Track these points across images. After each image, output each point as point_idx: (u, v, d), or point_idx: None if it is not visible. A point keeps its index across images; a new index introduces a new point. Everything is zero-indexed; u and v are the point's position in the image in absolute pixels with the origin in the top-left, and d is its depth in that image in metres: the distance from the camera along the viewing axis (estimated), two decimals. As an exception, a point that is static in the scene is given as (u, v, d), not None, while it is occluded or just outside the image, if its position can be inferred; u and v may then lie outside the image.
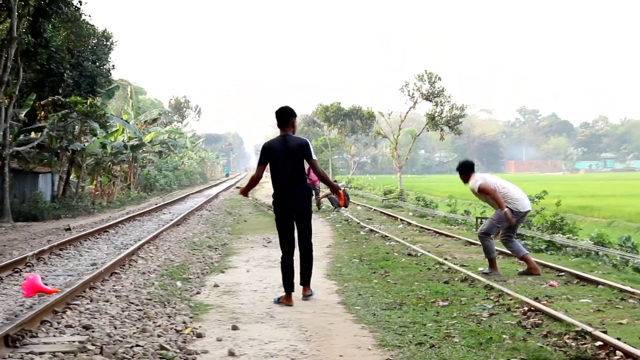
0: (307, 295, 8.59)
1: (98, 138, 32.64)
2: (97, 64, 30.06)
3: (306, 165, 8.43)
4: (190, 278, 10.27)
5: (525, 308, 7.60)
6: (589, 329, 6.40)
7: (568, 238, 16.35)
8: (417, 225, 19.28)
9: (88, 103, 27.65)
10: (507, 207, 10.22)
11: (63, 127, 27.61)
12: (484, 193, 10.38)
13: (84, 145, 30.79)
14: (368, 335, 6.70)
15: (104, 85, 30.98)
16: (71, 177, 32.42)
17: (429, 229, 18.14)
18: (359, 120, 69.93)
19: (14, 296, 8.43)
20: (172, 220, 20.54)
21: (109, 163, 36.14)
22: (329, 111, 71.32)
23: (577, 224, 20.42)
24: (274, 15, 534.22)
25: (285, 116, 8.38)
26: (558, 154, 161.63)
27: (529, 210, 10.65)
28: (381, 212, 25.63)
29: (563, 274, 10.20)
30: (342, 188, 8.70)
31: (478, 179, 10.49)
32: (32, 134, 28.91)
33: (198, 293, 9.13)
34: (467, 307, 7.86)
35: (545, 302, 8.03)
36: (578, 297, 8.39)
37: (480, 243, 10.85)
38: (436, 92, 45.52)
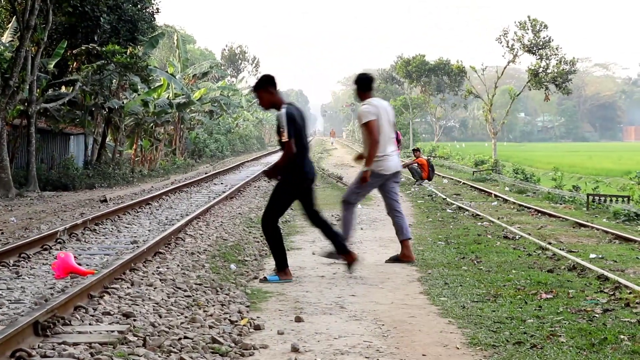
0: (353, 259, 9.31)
1: (139, 94, 33.12)
2: (139, 6, 30.35)
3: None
4: (246, 260, 10.39)
5: (648, 304, 7.48)
6: None
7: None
8: (514, 203, 19.11)
9: (127, 53, 27.98)
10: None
11: (98, 81, 28.06)
12: (368, 132, 10.01)
13: (123, 102, 31.22)
14: (456, 331, 6.69)
15: (146, 32, 31.29)
16: (107, 139, 32.99)
17: (529, 207, 17.97)
18: (446, 76, 69.43)
19: (42, 277, 8.66)
20: (224, 192, 20.78)
21: (151, 124, 36.67)
22: (410, 65, 70.87)
23: None
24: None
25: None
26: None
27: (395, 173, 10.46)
28: (471, 186, 25.46)
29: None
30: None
31: (372, 110, 10.02)
32: (63, 89, 29.45)
33: (255, 278, 9.23)
34: (575, 300, 7.77)
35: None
36: None
37: None
38: (541, 43, 44.89)
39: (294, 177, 9.03)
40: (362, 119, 10.01)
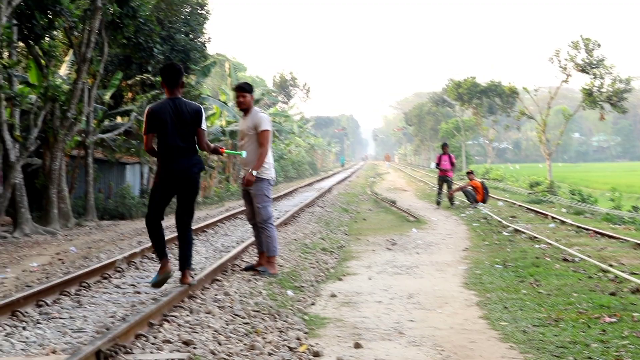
0: (185, 283, 9.12)
1: (192, 123, 33.40)
2: (191, 36, 30.74)
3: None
4: (303, 286, 10.39)
5: None
6: None
7: None
8: (572, 224, 18.87)
9: (181, 82, 28.31)
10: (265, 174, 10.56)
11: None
12: (262, 138, 10.44)
13: (177, 131, 31.54)
14: (518, 356, 6.61)
15: (198, 61, 31.66)
16: (162, 168, 33.28)
17: (587, 229, 17.73)
18: (498, 97, 69.00)
19: (103, 306, 8.74)
20: (278, 218, 20.82)
21: (205, 152, 36.99)
22: (461, 88, 70.64)
23: None
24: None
25: (175, 75, 8.96)
26: None
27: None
28: (527, 208, 25.22)
29: None
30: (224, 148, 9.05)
31: (265, 116, 10.63)
32: (118, 119, 29.87)
33: (313, 304, 9.23)
34: (640, 324, 7.64)
35: None
36: None
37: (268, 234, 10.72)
38: (594, 62, 44.37)
39: (159, 173, 9.02)
40: (266, 125, 10.47)
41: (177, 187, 9.02)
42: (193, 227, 17.02)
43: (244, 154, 10.32)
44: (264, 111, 10.58)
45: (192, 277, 9.25)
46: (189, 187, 9.04)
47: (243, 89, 10.58)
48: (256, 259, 11.29)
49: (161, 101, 8.99)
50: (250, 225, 11.45)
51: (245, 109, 10.59)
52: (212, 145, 9.47)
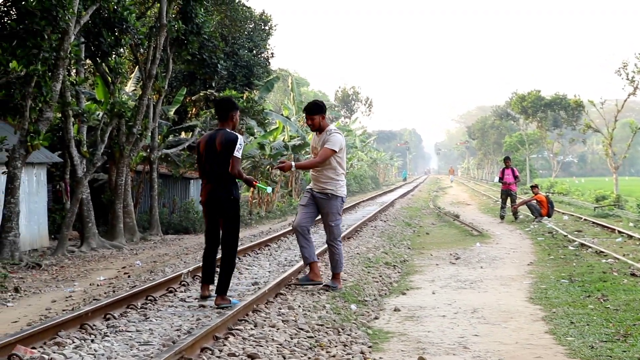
0: (219, 305, 9.15)
1: (255, 138, 33.69)
2: (254, 52, 31.05)
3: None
4: (366, 300, 10.39)
5: None
6: None
7: None
8: (640, 239, 18.54)
9: (244, 97, 28.61)
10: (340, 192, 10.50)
11: (216, 126, 28.67)
12: (323, 152, 10.36)
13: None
14: (585, 372, 6.52)
15: (261, 76, 31.94)
16: (226, 183, 33.56)
17: (656, 244, 17.41)
18: (563, 111, 68.28)
19: (169, 319, 8.83)
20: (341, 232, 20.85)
21: (268, 166, 37.21)
22: (526, 101, 70.09)
23: None
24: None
25: (223, 110, 9.37)
26: None
27: None
28: (593, 222, 24.83)
29: None
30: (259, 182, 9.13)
31: (335, 138, 10.38)
32: (182, 134, 30.24)
33: (376, 318, 9.23)
34: None
35: None
36: None
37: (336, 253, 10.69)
38: (663, 74, 43.64)
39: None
40: (332, 145, 10.32)
41: (212, 212, 9.35)
42: (256, 242, 17.14)
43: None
44: (339, 133, 10.46)
45: (227, 303, 9.25)
46: (220, 212, 9.27)
47: (310, 111, 10.47)
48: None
49: (207, 133, 9.58)
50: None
51: (315, 129, 10.54)
52: (245, 176, 9.51)
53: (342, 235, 16.75)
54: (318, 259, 11.00)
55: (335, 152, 10.33)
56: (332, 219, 10.59)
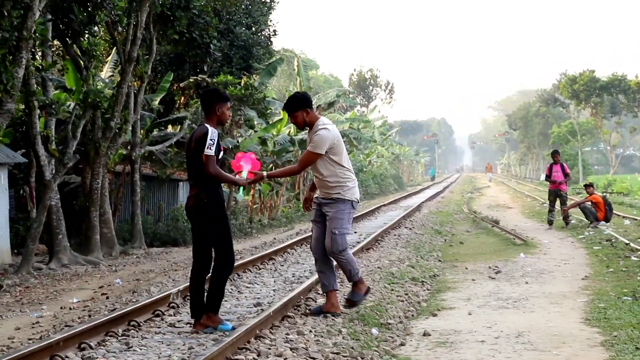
0: (204, 328, 9.38)
1: (256, 131, 33.63)
2: (253, 29, 30.96)
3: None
4: (390, 323, 10.37)
5: None
6: None
7: None
8: None
9: (242, 84, 28.52)
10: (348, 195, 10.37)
11: (209, 118, 28.60)
12: (302, 155, 10.48)
13: (237, 141, 31.70)
14: (653, 408, 6.50)
15: (262, 58, 31.87)
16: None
17: None
18: (622, 94, 68.04)
19: (155, 348, 8.82)
20: (359, 242, 20.80)
21: (271, 165, 37.17)
22: (577, 84, 69.82)
23: None
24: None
25: (206, 102, 9.53)
26: None
27: None
28: (660, 227, 24.79)
29: None
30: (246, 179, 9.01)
31: (321, 136, 10.23)
32: (169, 128, 30.20)
33: (402, 344, 9.22)
34: None
35: None
36: None
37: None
38: None
39: None
40: (314, 147, 10.25)
41: (195, 221, 9.55)
42: (257, 255, 17.13)
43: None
44: (327, 128, 10.11)
45: (213, 327, 9.35)
46: (203, 218, 9.43)
47: (289, 109, 10.41)
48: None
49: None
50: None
51: (302, 127, 10.53)
52: (226, 175, 9.64)
53: (358, 245, 16.75)
54: (338, 287, 10.83)
55: (321, 155, 10.18)
56: (336, 225, 10.32)
